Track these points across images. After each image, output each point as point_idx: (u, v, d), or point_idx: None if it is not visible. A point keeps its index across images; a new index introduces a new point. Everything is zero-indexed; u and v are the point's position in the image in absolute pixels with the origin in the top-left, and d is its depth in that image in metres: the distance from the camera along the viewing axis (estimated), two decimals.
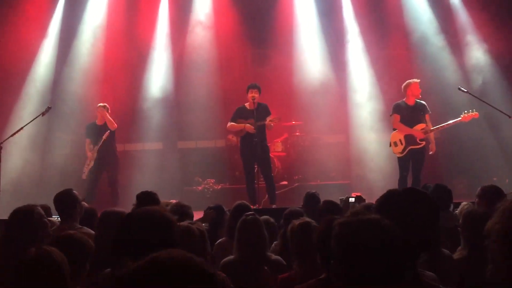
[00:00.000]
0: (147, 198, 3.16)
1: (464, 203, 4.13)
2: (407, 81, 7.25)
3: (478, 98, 7.28)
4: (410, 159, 7.15)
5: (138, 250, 1.74)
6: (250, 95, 7.26)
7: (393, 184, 7.25)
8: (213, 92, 9.72)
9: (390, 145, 7.28)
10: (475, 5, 9.10)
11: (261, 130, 7.27)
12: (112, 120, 7.85)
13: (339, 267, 1.56)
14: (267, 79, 9.22)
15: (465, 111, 7.03)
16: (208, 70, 9.77)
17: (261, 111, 7.27)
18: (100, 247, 3.33)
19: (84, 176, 7.92)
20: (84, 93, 9.29)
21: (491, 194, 3.92)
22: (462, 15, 9.32)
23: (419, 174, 7.09)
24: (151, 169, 9.26)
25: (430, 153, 7.15)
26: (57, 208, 3.98)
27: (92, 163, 7.84)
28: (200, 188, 9.20)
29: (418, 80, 7.22)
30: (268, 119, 7.16)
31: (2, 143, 6.91)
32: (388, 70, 9.17)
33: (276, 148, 9.46)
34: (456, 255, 3.08)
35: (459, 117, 7.03)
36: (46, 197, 6.58)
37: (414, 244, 1.72)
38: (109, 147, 7.86)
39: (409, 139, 7.11)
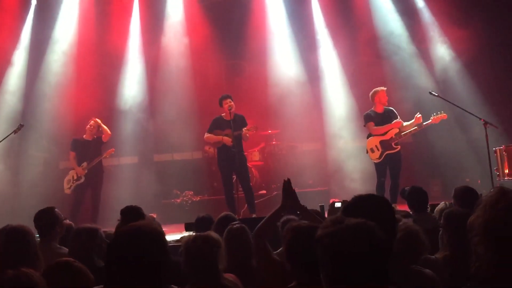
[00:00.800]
0: (131, 213, 3.12)
1: (441, 203, 4.22)
2: (374, 89, 7.42)
3: (449, 102, 7.46)
4: (387, 164, 7.30)
5: (132, 268, 1.72)
6: (226, 105, 7.27)
7: (371, 189, 7.35)
8: (188, 104, 9.69)
9: (367, 152, 7.41)
10: (439, 6, 9.35)
11: (238, 140, 7.29)
12: (108, 132, 7.92)
13: (330, 277, 1.55)
14: (242, 89, 9.26)
15: (434, 113, 7.21)
16: (182, 82, 9.74)
17: (237, 121, 7.29)
18: None
19: (69, 191, 7.89)
20: (56, 108, 9.15)
21: (465, 194, 4.03)
22: (427, 17, 9.56)
23: (397, 178, 7.22)
24: (127, 184, 9.15)
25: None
26: (36, 226, 3.86)
27: (82, 179, 7.81)
28: (178, 200, 9.14)
29: (385, 88, 7.40)
30: (244, 129, 7.19)
31: None
32: (360, 76, 9.32)
33: (254, 157, 9.48)
34: (439, 255, 3.14)
35: (429, 119, 7.21)
36: (20, 216, 6.45)
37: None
38: (99, 163, 7.93)
39: (385, 145, 7.27)
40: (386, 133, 7.26)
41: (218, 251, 2.74)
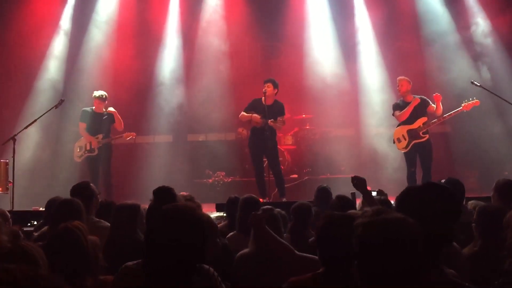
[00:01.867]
0: (164, 194, 3.17)
1: (471, 201, 4.10)
2: (398, 79, 7.33)
3: (491, 92, 7.22)
4: (417, 154, 7.16)
5: (172, 251, 1.76)
6: (263, 89, 7.27)
7: (403, 178, 7.26)
8: (223, 84, 9.72)
9: (394, 142, 7.33)
10: None
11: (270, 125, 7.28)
12: (121, 120, 7.80)
13: (363, 266, 1.56)
14: (278, 72, 9.20)
15: (465, 100, 7.01)
16: (219, 62, 9.76)
17: (274, 109, 7.25)
18: (116, 239, 3.40)
19: (79, 160, 7.81)
20: (96, 86, 9.35)
21: (506, 188, 3.91)
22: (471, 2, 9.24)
23: (428, 168, 7.07)
24: (161, 162, 9.32)
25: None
26: None
27: (96, 152, 7.68)
28: (210, 180, 9.24)
29: (402, 77, 7.27)
30: (270, 120, 7.13)
31: (15, 135, 7.00)
32: (400, 63, 9.10)
33: (286, 141, 9.47)
34: (466, 250, 3.08)
35: (460, 106, 7.01)
36: (58, 190, 6.68)
37: (437, 241, 1.72)
38: (110, 142, 7.86)
39: (412, 134, 7.14)
40: (414, 122, 7.11)
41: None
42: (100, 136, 7.74)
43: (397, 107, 7.28)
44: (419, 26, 9.35)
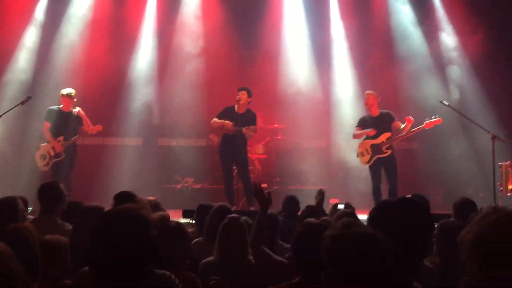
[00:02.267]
0: (125, 199, 3.10)
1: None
2: (366, 93, 7.52)
3: (459, 112, 7.43)
4: (382, 169, 7.28)
5: (114, 253, 1.71)
6: (237, 97, 7.26)
7: (371, 191, 7.35)
8: (196, 91, 9.66)
9: (358, 156, 7.46)
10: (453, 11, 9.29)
11: (242, 133, 7.27)
12: (93, 127, 7.50)
13: (331, 278, 1.56)
14: (252, 80, 9.20)
15: (427, 118, 7.17)
16: (193, 67, 9.70)
17: (246, 118, 7.26)
18: (81, 242, 3.29)
19: (46, 168, 7.44)
20: (65, 83, 9.14)
21: (463, 207, 4.01)
22: (441, 19, 9.51)
23: (394, 183, 7.18)
24: (130, 165, 9.16)
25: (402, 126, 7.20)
26: (41, 198, 3.85)
27: (62, 155, 7.37)
28: (179, 186, 9.14)
29: (369, 92, 7.44)
30: (244, 128, 7.15)
31: None
32: (372, 78, 9.27)
33: (257, 150, 9.47)
34: (428, 262, 3.13)
35: (423, 123, 7.17)
36: (21, 188, 6.47)
37: (411, 255, 1.71)
38: (75, 142, 7.57)
39: (375, 148, 7.27)
40: (378, 137, 7.24)
41: None
42: (62, 138, 7.42)
43: (361, 122, 7.47)
44: (392, 41, 9.54)
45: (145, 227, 1.82)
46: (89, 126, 7.51)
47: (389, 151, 7.21)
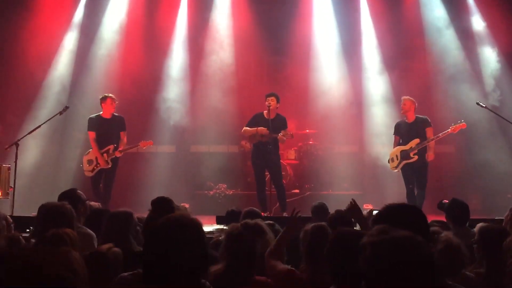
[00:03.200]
0: (162, 205, 3.14)
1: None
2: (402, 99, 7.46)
3: (496, 113, 7.24)
4: (412, 173, 7.26)
5: (170, 260, 1.71)
6: (266, 102, 7.27)
7: (404, 196, 7.23)
8: (228, 97, 9.75)
9: (388, 161, 7.56)
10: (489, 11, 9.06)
11: (274, 139, 7.27)
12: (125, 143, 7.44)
13: (368, 285, 1.53)
14: (283, 86, 9.22)
15: (453, 123, 7.11)
16: (224, 75, 9.80)
17: (277, 122, 7.26)
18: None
19: (91, 174, 7.36)
20: (102, 93, 9.39)
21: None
22: (478, 22, 9.28)
23: (422, 188, 7.16)
24: (163, 172, 9.28)
25: (428, 160, 7.22)
26: None
27: (110, 164, 7.27)
28: (211, 192, 9.21)
29: (405, 97, 7.39)
30: (281, 133, 7.15)
31: (19, 140, 7.01)
32: (405, 81, 9.11)
33: (289, 156, 9.45)
34: (470, 272, 3.04)
35: (448, 129, 7.11)
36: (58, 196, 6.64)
37: None
38: (116, 146, 7.40)
39: (403, 154, 7.31)
40: (408, 143, 7.27)
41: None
42: (111, 147, 7.30)
43: (396, 129, 7.51)
44: (424, 40, 9.38)
45: (199, 233, 1.81)
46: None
47: (416, 157, 7.18)
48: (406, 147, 7.28)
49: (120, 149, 7.31)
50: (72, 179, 8.41)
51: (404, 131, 7.35)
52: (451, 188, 8.30)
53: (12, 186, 6.84)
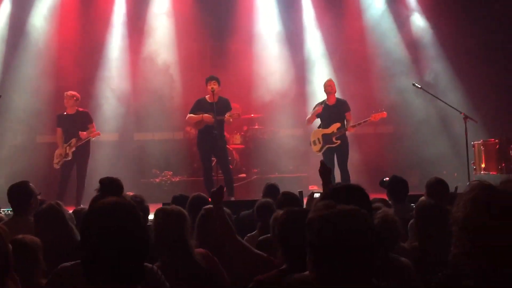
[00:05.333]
0: (111, 184, 3.05)
1: (422, 198, 4.24)
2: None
3: (431, 94, 7.56)
4: (334, 155, 7.39)
5: (110, 247, 1.64)
6: (209, 87, 7.21)
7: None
8: (171, 83, 9.60)
9: (310, 144, 7.58)
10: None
11: (220, 123, 7.24)
12: (95, 132, 7.63)
13: (321, 260, 1.56)
14: (227, 71, 9.16)
15: (374, 111, 7.29)
16: (166, 60, 9.63)
17: (221, 105, 7.23)
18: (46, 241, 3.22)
19: (57, 166, 7.64)
20: (35, 80, 8.96)
21: (436, 186, 4.14)
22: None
23: (345, 167, 7.29)
24: (106, 161, 9.02)
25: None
26: (11, 200, 3.84)
27: (70, 156, 7.55)
28: (157, 180, 9.08)
29: (328, 78, 7.54)
30: (227, 114, 7.14)
31: None
32: (346, 64, 9.34)
33: (235, 140, 9.46)
34: (407, 245, 3.18)
35: (369, 117, 7.28)
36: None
37: None
38: (86, 142, 7.67)
39: (326, 138, 7.39)
40: (329, 126, 7.34)
41: (185, 224, 2.77)
42: (74, 140, 7.55)
43: (314, 108, 7.54)
44: (364, 28, 9.63)
45: (137, 218, 1.72)
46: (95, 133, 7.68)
47: (338, 141, 7.29)
48: (328, 131, 7.35)
49: (81, 138, 7.54)
50: (9, 172, 8.03)
51: (325, 113, 7.41)
52: (391, 166, 8.64)
53: None
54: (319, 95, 9.33)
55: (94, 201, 2.75)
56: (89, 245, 1.64)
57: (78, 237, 3.16)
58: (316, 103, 7.65)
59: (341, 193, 2.06)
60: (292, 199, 3.89)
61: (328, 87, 7.40)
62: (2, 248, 2.12)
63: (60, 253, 2.83)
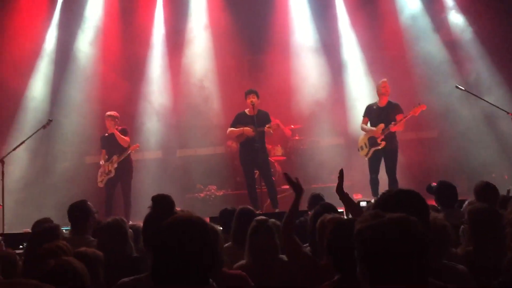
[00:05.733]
0: (163, 201, 3.15)
1: (469, 200, 4.13)
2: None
3: (475, 95, 7.35)
4: (379, 160, 7.25)
5: (179, 261, 1.71)
6: (248, 100, 7.31)
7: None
8: (211, 99, 9.76)
9: (358, 150, 7.52)
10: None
11: (261, 135, 7.31)
12: (123, 137, 7.87)
13: (369, 273, 1.55)
14: (265, 85, 9.26)
15: (412, 106, 7.01)
16: (205, 77, 9.82)
17: (261, 118, 7.31)
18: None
19: (101, 185, 7.92)
20: (82, 104, 9.33)
21: (484, 190, 4.03)
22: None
23: (393, 173, 7.12)
24: (151, 178, 9.25)
25: (392, 130, 7.08)
26: (70, 219, 3.99)
27: (112, 173, 7.82)
28: (202, 195, 9.22)
29: (384, 79, 7.31)
30: (267, 125, 7.21)
31: (4, 158, 6.94)
32: (385, 70, 9.23)
33: (276, 152, 9.49)
34: (460, 251, 3.11)
35: (409, 112, 7.02)
36: (47, 211, 6.61)
37: None
38: (127, 158, 7.93)
39: (371, 141, 7.27)
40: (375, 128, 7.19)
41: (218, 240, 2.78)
42: (115, 157, 7.85)
43: (366, 111, 7.40)
44: (401, 31, 9.50)
45: (206, 231, 1.79)
46: (123, 140, 7.89)
47: (383, 143, 7.11)
48: (373, 134, 7.22)
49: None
50: (59, 193, 8.36)
51: (374, 115, 7.27)
52: (437, 171, 8.44)
53: (1, 204, 6.77)
54: (357, 101, 9.31)
55: (148, 218, 2.83)
56: (163, 257, 1.72)
57: (134, 254, 3.28)
58: (366, 107, 7.49)
59: (390, 201, 2.01)
60: (330, 210, 3.87)
61: (383, 89, 7.21)
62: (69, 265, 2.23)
63: (118, 267, 2.93)
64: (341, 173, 3.35)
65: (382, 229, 1.53)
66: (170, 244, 1.74)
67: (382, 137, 7.12)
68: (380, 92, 7.27)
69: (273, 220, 3.71)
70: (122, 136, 7.84)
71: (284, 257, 3.22)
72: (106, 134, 8.00)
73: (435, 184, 4.44)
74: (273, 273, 3.01)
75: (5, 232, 6.27)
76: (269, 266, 3.06)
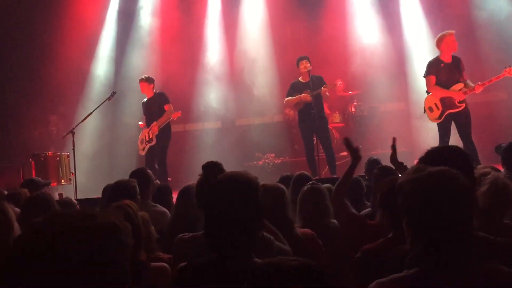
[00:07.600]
0: (213, 168, 3.25)
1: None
2: (440, 34, 6.39)
3: None
4: (451, 124, 6.41)
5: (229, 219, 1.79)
6: (302, 66, 7.26)
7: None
8: (267, 67, 9.77)
9: (425, 111, 6.53)
10: None
11: (318, 100, 7.26)
12: (168, 116, 7.46)
13: (413, 225, 1.55)
14: (321, 51, 9.12)
15: (507, 65, 6.18)
16: (261, 45, 9.82)
17: (315, 82, 7.26)
18: (178, 222, 3.49)
19: (143, 153, 7.61)
20: (144, 74, 9.66)
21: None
22: None
23: (468, 138, 6.23)
24: (211, 148, 9.49)
25: (477, 92, 6.21)
26: None
27: (154, 141, 7.40)
28: (260, 163, 9.35)
29: (453, 31, 6.41)
30: (323, 87, 7.14)
31: (74, 128, 7.36)
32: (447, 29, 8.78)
33: (334, 119, 9.40)
34: None
35: (501, 72, 6.22)
36: (117, 178, 6.96)
37: None
38: (167, 124, 7.55)
39: (446, 102, 6.30)
40: (449, 87, 6.28)
41: (284, 199, 2.88)
42: (154, 123, 7.40)
43: (432, 68, 6.35)
44: None
45: (257, 190, 1.85)
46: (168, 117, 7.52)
47: (463, 105, 6.21)
48: (450, 94, 6.31)
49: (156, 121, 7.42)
50: (127, 161, 8.77)
51: (442, 73, 6.34)
52: (505, 135, 8.03)
53: (73, 172, 7.22)
54: (419, 65, 8.94)
55: (199, 182, 2.94)
56: (209, 214, 1.83)
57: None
58: (428, 64, 6.45)
59: (434, 157, 2.01)
60: (388, 173, 3.83)
61: (452, 43, 6.25)
62: (134, 221, 2.39)
63: (181, 226, 3.09)
64: (394, 142, 3.29)
65: (422, 181, 1.52)
66: (213, 201, 1.82)
67: (463, 97, 6.30)
68: (446, 47, 6.33)
69: (327, 185, 3.73)
70: (173, 113, 7.51)
71: (335, 221, 3.25)
72: (145, 100, 7.60)
73: (505, 144, 4.24)
74: (324, 237, 3.04)
75: (78, 198, 6.70)
76: (320, 230, 3.09)
